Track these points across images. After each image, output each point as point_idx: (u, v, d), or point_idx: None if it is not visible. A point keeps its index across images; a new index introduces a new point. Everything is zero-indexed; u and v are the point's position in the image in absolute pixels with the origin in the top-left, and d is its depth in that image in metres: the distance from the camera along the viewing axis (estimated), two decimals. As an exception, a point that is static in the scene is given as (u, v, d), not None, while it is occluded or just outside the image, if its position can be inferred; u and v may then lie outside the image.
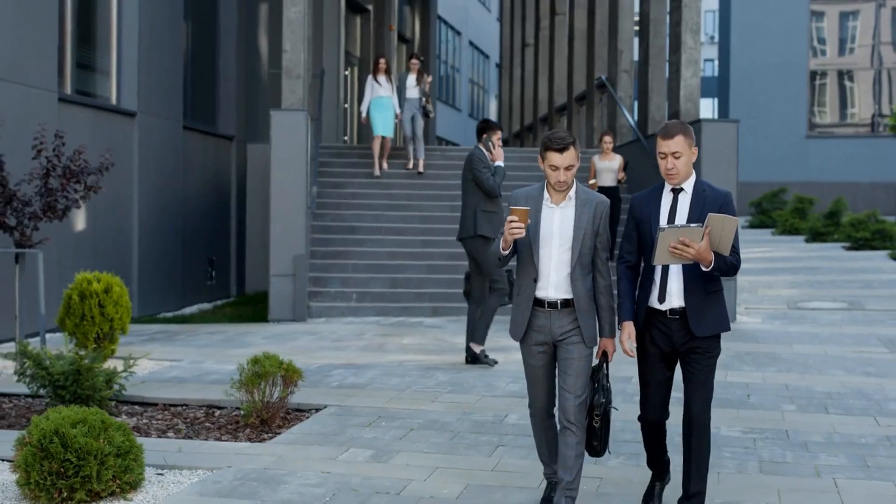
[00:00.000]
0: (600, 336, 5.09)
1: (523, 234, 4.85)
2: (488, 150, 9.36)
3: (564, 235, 4.99)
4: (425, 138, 17.34)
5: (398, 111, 16.28)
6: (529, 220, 4.87)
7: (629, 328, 5.00)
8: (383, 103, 16.20)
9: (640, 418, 5.17)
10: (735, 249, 4.84)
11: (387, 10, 24.79)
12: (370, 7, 24.16)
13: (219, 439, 6.90)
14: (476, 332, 9.41)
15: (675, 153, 4.87)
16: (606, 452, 5.19)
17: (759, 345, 10.89)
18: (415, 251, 14.39)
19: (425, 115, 16.50)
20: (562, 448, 5.00)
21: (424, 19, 28.94)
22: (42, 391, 7.49)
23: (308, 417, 7.44)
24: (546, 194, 5.05)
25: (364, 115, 16.40)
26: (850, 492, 5.67)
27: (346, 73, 22.78)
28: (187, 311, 14.67)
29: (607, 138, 14.33)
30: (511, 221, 4.80)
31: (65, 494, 5.40)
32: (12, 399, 8.12)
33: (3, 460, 6.30)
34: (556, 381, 5.09)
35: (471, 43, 43.19)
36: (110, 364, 8.57)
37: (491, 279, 9.30)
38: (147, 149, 13.80)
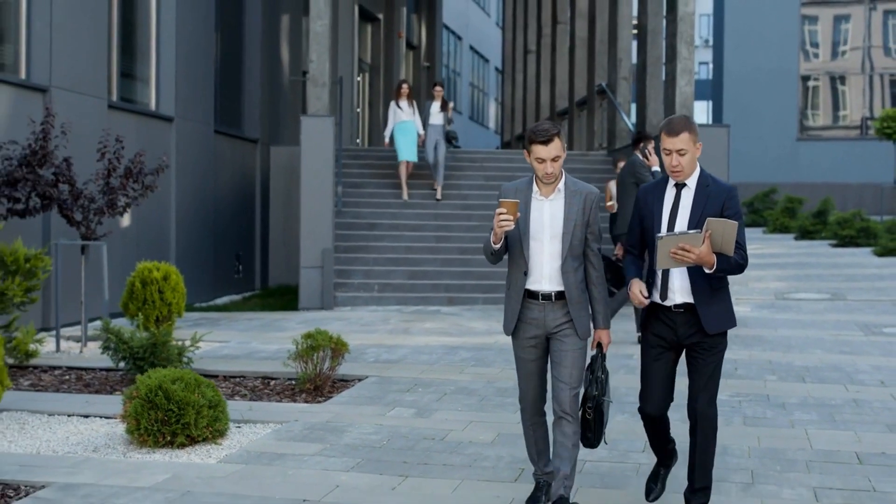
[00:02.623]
0: (594, 327, 5.06)
1: (513, 227, 4.81)
2: (645, 157, 10.66)
3: (555, 228, 4.95)
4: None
5: (421, 132, 16.62)
6: (519, 214, 4.85)
7: (638, 283, 4.93)
8: (406, 127, 16.56)
9: (640, 409, 5.12)
10: (741, 246, 4.81)
11: (395, 18, 25.95)
12: (380, 16, 25.32)
13: (279, 402, 8.02)
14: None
15: (681, 150, 4.82)
16: (603, 443, 5.15)
17: (747, 329, 12.02)
18: (430, 246, 15.53)
19: (448, 140, 16.92)
20: (558, 437, 5.03)
21: (430, 27, 30.12)
22: (122, 363, 8.63)
23: (353, 385, 8.57)
24: (535, 187, 5.00)
25: (388, 139, 16.78)
26: (817, 438, 6.82)
27: (359, 79, 23.92)
28: (218, 301, 15.80)
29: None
30: (500, 214, 4.78)
31: (168, 438, 6.53)
32: (89, 372, 9.25)
33: (100, 417, 7.45)
34: (550, 375, 5.10)
35: (471, 47, 44.30)
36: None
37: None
38: (183, 151, 14.92)
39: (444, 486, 5.69)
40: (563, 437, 4.99)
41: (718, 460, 6.12)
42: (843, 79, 32.71)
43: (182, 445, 6.55)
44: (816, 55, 32.64)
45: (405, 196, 16.63)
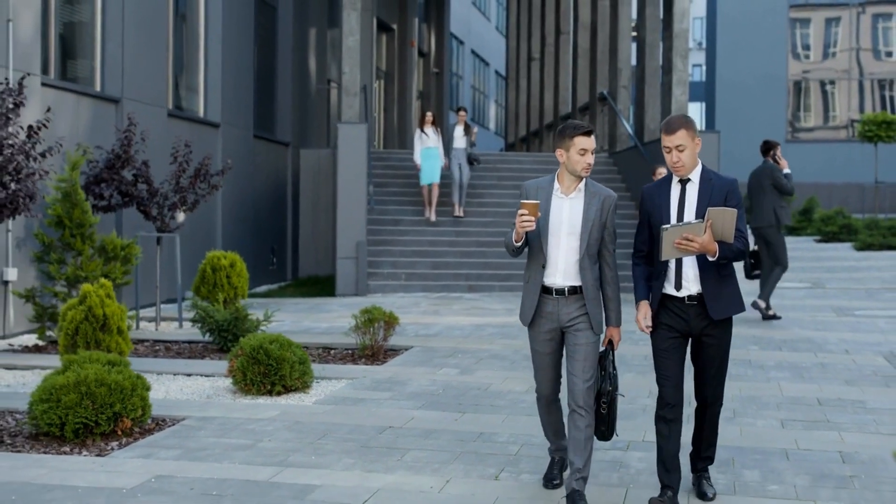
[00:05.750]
0: (607, 325, 5.27)
1: (533, 227, 5.02)
2: (776, 161, 12.52)
3: (573, 225, 5.14)
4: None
5: (444, 160, 17.69)
6: (540, 214, 5.08)
7: (644, 307, 5.19)
8: (431, 153, 17.52)
9: (659, 399, 5.24)
10: (742, 234, 5.04)
11: (408, 28, 27.61)
12: (394, 26, 26.98)
13: (344, 365, 9.64)
14: (764, 293, 12.58)
15: (679, 146, 5.05)
16: (614, 436, 5.36)
17: (735, 311, 13.66)
18: (450, 239, 17.18)
19: (471, 163, 18.09)
20: (572, 432, 5.17)
21: (439, 35, 31.78)
22: (207, 335, 10.25)
23: (402, 353, 10.20)
24: (556, 185, 5.20)
25: (418, 162, 17.61)
26: (788, 389, 8.47)
27: (375, 85, 25.56)
28: (257, 290, 17.41)
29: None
30: (521, 214, 4.99)
31: (268, 388, 8.15)
32: (174, 343, 10.85)
33: (201, 375, 9.07)
34: (566, 367, 5.30)
35: (472, 51, 45.93)
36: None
37: (776, 258, 12.47)
38: (228, 154, 16.53)
39: (495, 418, 7.34)
40: (576, 430, 5.14)
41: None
42: (832, 82, 34.04)
43: (279, 393, 8.17)
44: (808, 56, 33.94)
45: (432, 217, 17.58)
